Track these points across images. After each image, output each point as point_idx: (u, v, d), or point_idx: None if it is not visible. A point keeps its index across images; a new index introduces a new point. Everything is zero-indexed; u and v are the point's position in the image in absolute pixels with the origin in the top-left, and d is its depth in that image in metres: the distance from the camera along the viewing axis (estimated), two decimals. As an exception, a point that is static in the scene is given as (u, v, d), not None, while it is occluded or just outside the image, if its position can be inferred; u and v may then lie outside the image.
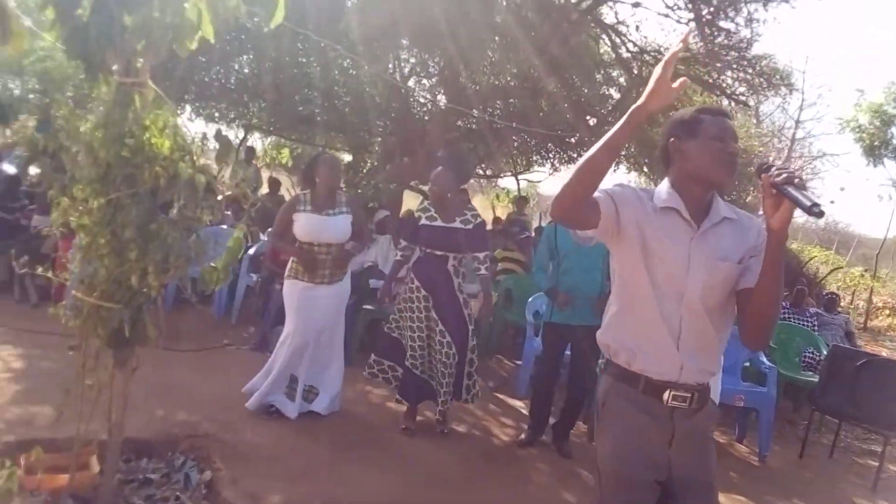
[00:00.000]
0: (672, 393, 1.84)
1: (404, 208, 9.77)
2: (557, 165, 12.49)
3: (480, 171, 13.65)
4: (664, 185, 1.92)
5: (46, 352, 4.75)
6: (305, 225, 4.12)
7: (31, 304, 6.07)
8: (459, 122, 8.27)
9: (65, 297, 5.97)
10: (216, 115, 10.66)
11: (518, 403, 5.25)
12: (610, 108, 8.95)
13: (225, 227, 6.37)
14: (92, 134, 2.69)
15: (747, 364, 5.43)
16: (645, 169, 11.47)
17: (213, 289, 2.90)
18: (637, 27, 7.51)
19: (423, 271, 4.29)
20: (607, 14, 7.68)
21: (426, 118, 9.73)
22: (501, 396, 5.35)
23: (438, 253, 4.26)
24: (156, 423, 3.68)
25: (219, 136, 2.83)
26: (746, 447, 5.19)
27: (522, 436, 4.40)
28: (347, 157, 10.93)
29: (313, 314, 4.16)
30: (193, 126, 11.67)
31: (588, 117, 9.10)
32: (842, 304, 14.36)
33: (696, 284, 1.83)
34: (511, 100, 8.53)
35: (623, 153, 11.17)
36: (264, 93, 8.89)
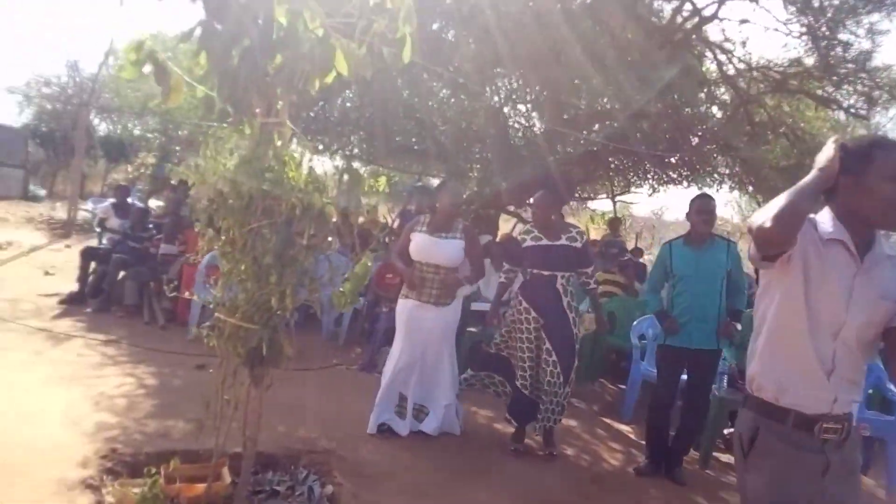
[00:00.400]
0: (823, 425, 1.80)
1: (500, 232, 9.89)
2: (656, 186, 12.26)
3: (577, 195, 13.59)
4: (827, 215, 1.85)
5: (175, 370, 5.12)
6: (417, 244, 4.29)
7: (160, 326, 6.52)
8: (558, 146, 8.29)
9: (189, 317, 6.42)
10: (320, 146, 11.21)
11: (624, 428, 5.18)
12: (714, 128, 8.74)
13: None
14: (236, 169, 2.93)
15: (871, 391, 5.14)
16: (750, 188, 11.06)
17: (341, 311, 3.08)
18: (743, 44, 7.34)
19: (532, 292, 4.35)
20: (712, 32, 7.55)
21: (522, 144, 9.83)
22: (607, 420, 5.30)
23: (546, 273, 4.31)
24: (278, 438, 3.89)
25: (350, 170, 3.02)
26: (871, 479, 4.90)
27: (640, 464, 4.33)
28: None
29: (418, 333, 4.31)
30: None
31: (690, 136, 8.92)
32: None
33: (855, 321, 1.78)
34: (608, 122, 8.48)
35: (727, 171, 10.88)
36: (364, 125, 9.24)
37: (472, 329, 5.79)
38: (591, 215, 17.90)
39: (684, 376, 4.39)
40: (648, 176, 12.04)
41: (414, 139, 10.33)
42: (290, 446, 3.79)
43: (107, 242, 8.21)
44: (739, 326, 4.32)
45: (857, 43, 6.00)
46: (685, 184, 11.64)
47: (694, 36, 7.23)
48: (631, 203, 15.90)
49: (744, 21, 6.99)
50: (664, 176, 11.53)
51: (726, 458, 4.85)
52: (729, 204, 21.23)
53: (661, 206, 22.26)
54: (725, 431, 5.05)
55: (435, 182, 13.28)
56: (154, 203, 12.35)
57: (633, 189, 13.14)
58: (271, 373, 3.05)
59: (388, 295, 6.12)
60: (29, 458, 3.21)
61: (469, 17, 6.68)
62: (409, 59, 2.71)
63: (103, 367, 4.97)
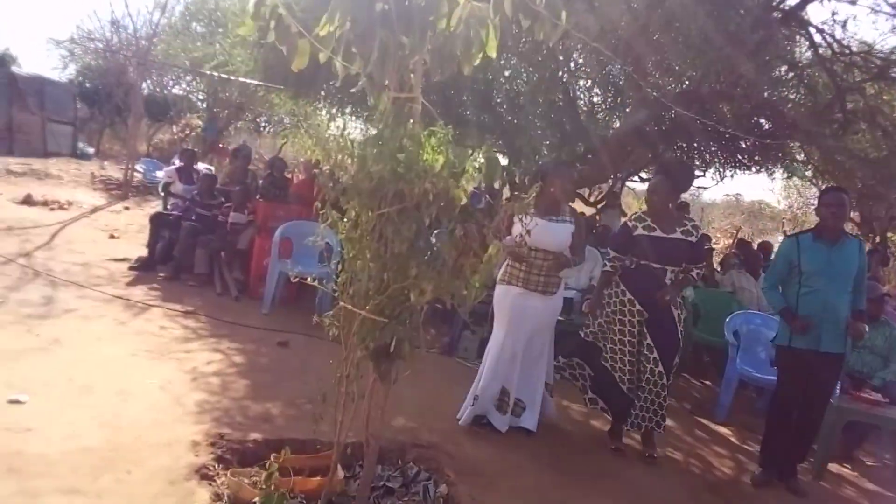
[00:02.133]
0: None
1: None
2: (722, 171, 11.82)
3: (640, 177, 13.22)
4: None
5: (259, 347, 5.01)
6: (533, 230, 4.04)
7: (233, 297, 6.42)
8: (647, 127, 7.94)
9: (264, 291, 6.28)
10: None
11: (724, 430, 4.96)
12: (797, 114, 8.31)
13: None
14: (366, 148, 2.72)
15: None
16: (827, 177, 10.60)
17: (471, 304, 2.87)
18: (843, 25, 6.89)
19: (637, 284, 4.10)
20: (813, 12, 7.11)
21: (589, 121, 9.49)
22: (703, 421, 5.07)
23: (656, 266, 4.06)
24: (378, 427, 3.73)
25: (488, 156, 2.79)
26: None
27: (757, 472, 4.10)
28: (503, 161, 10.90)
29: (525, 322, 4.09)
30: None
31: (775, 121, 8.50)
32: None
33: None
34: (690, 105, 8.10)
35: (801, 158, 10.42)
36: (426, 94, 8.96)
37: (560, 318, 5.57)
38: (643, 196, 17.45)
39: None
40: (715, 159, 11.60)
41: (471, 111, 10.01)
42: (393, 438, 3.63)
43: (171, 207, 8.14)
44: (867, 327, 4.03)
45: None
46: (754, 169, 11.22)
47: (792, 16, 6.81)
48: (703, 188, 15.42)
49: (852, 1, 6.55)
50: (733, 159, 11.09)
51: (836, 469, 4.60)
52: (785, 189, 20.49)
53: (737, 194, 21.38)
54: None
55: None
56: (202, 167, 12.26)
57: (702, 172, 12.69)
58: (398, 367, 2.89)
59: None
60: (138, 442, 3.09)
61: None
62: (565, 29, 2.45)
63: (188, 340, 4.86)
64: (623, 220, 7.71)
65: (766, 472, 4.05)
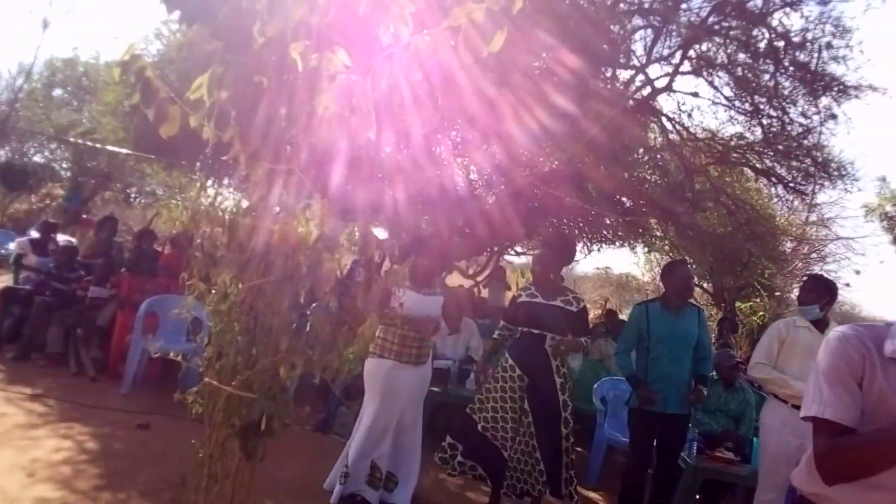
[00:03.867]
0: None
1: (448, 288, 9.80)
2: (590, 246, 12.54)
3: (515, 251, 13.73)
4: None
5: (115, 430, 4.66)
6: (406, 302, 4.08)
7: (89, 378, 5.95)
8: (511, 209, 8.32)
9: (125, 369, 5.89)
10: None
11: (594, 495, 5.08)
12: (654, 193, 9.06)
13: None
14: (239, 219, 2.69)
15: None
16: (682, 252, 11.50)
17: (345, 379, 2.85)
18: (689, 115, 7.68)
19: (520, 351, 4.24)
20: (665, 103, 7.88)
21: (469, 198, 9.83)
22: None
23: (536, 331, 4.21)
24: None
25: (363, 230, 2.84)
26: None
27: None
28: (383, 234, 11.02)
29: (398, 394, 4.08)
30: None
31: (633, 199, 9.19)
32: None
33: None
34: (554, 186, 8.63)
35: (660, 234, 11.25)
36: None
37: (435, 388, 5.58)
38: (521, 271, 18.13)
39: None
40: (583, 234, 12.32)
41: (354, 185, 10.16)
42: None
43: (22, 281, 7.53)
44: (706, 391, 4.35)
45: (802, 121, 6.38)
46: (618, 244, 11.99)
47: (646, 105, 7.51)
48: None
49: (693, 94, 7.33)
50: (599, 235, 11.82)
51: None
52: (647, 262, 21.93)
53: (606, 267, 22.69)
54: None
55: (378, 231, 13.08)
56: (62, 238, 11.51)
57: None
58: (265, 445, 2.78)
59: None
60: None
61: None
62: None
63: (33, 427, 4.43)
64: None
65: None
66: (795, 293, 18.81)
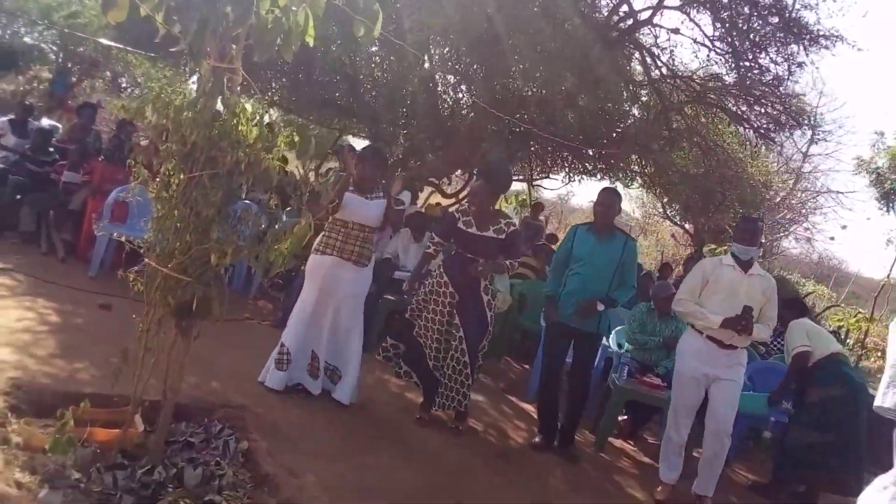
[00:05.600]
0: None
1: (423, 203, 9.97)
2: (572, 175, 12.66)
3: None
4: None
5: (77, 308, 4.88)
6: (346, 204, 4.27)
7: (59, 259, 6.16)
8: (489, 126, 8.40)
9: (92, 253, 6.11)
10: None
11: (529, 407, 5.42)
12: (633, 128, 9.13)
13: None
14: (181, 114, 2.81)
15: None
16: (657, 188, 11.64)
17: (277, 271, 3.05)
18: (671, 51, 7.67)
19: (453, 268, 4.44)
20: (645, 36, 7.83)
21: (449, 115, 9.86)
22: (512, 398, 5.53)
23: (469, 256, 4.41)
24: (190, 390, 3.80)
25: (301, 131, 2.98)
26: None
27: (536, 439, 4.56)
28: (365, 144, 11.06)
29: (335, 289, 4.32)
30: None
31: (612, 132, 9.27)
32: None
33: None
34: (538, 109, 8.67)
35: (638, 171, 11.37)
36: (288, 72, 8.91)
37: (390, 297, 5.85)
38: (505, 196, 18.29)
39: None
40: (566, 164, 12.41)
41: (338, 94, 10.12)
42: (203, 398, 3.73)
43: (0, 161, 7.62)
44: (601, 307, 4.42)
45: (773, 68, 6.42)
46: (598, 176, 12.10)
47: (627, 37, 7.49)
48: (545, 188, 16.33)
49: (675, 31, 7.32)
50: (581, 166, 11.92)
51: (619, 443, 5.20)
52: (634, 199, 22.12)
53: (567, 191, 22.93)
54: (620, 419, 5.41)
55: (358, 143, 13.10)
56: (47, 122, 11.44)
57: (551, 175, 13.49)
58: (199, 324, 3.01)
59: (303, 252, 6.06)
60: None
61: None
62: (372, 38, 2.68)
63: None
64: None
65: (543, 440, 4.53)
66: (785, 243, 18.95)
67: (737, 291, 4.07)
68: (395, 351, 4.64)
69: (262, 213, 3.03)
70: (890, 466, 4.42)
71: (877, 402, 1.33)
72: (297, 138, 3.07)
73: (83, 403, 2.97)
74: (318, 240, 4.40)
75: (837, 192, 21.76)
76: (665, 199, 12.26)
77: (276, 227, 2.98)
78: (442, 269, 4.49)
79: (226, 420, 3.58)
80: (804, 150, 21.73)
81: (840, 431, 4.45)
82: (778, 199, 17.93)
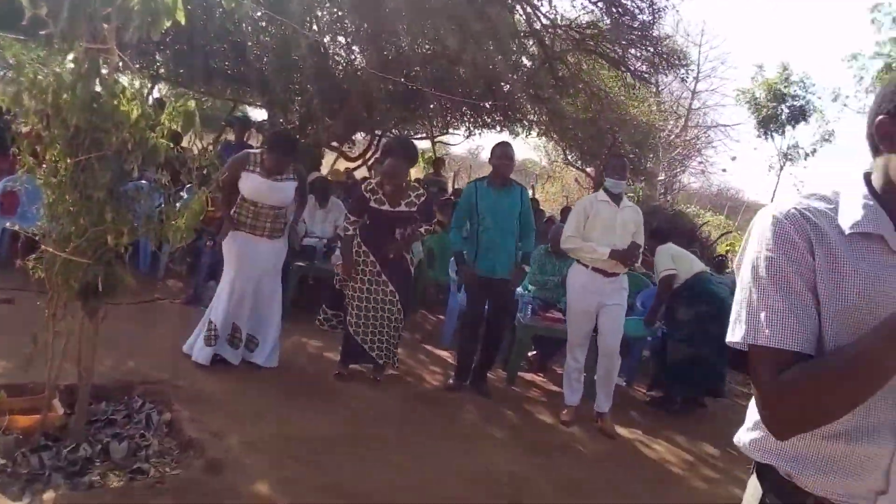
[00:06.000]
0: None
1: (325, 167, 9.99)
2: (472, 129, 12.92)
3: (396, 132, 13.93)
4: (858, 191, 1.19)
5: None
6: (255, 187, 4.34)
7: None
8: (382, 86, 8.48)
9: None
10: (120, 64, 10.27)
11: (444, 353, 5.71)
12: (523, 78, 9.42)
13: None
14: (59, 98, 2.83)
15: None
16: (554, 135, 12.06)
17: (177, 246, 3.14)
18: (551, 1, 7.94)
19: (372, 239, 4.58)
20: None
21: (343, 78, 9.84)
22: (428, 347, 5.80)
23: (385, 227, 4.57)
24: (107, 371, 3.85)
25: (185, 109, 3.02)
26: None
27: (450, 381, 4.86)
28: (263, 114, 10.88)
29: (253, 264, 4.42)
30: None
31: (503, 84, 9.53)
32: (729, 266, 15.75)
33: None
34: (428, 66, 8.81)
35: (535, 119, 11.74)
36: (171, 44, 8.65)
37: (300, 263, 5.96)
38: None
39: None
40: (465, 119, 12.65)
41: (227, 63, 9.89)
42: (121, 378, 3.80)
43: None
44: (528, 268, 4.88)
45: (641, 14, 6.80)
46: (498, 128, 12.41)
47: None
48: (450, 144, 16.55)
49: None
50: (479, 120, 12.18)
51: (529, 377, 5.59)
52: (538, 148, 22.71)
53: (477, 146, 23.34)
54: (530, 354, 5.80)
55: (254, 112, 12.88)
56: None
57: (451, 130, 13.69)
58: (105, 305, 3.07)
59: (210, 229, 6.07)
60: None
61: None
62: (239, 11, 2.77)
63: None
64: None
65: (458, 380, 4.83)
66: (684, 178, 19.95)
67: (613, 224, 4.44)
68: (336, 319, 4.85)
69: (155, 192, 3.10)
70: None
71: (728, 338, 1.15)
72: (181, 111, 3.12)
73: (-1, 392, 3.01)
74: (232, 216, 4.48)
75: (724, 125, 23.11)
76: (563, 146, 12.72)
77: (177, 204, 3.07)
78: (360, 240, 4.62)
79: (146, 395, 3.68)
80: (692, 87, 22.91)
81: (711, 343, 4.96)
82: (672, 137, 18.85)
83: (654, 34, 7.21)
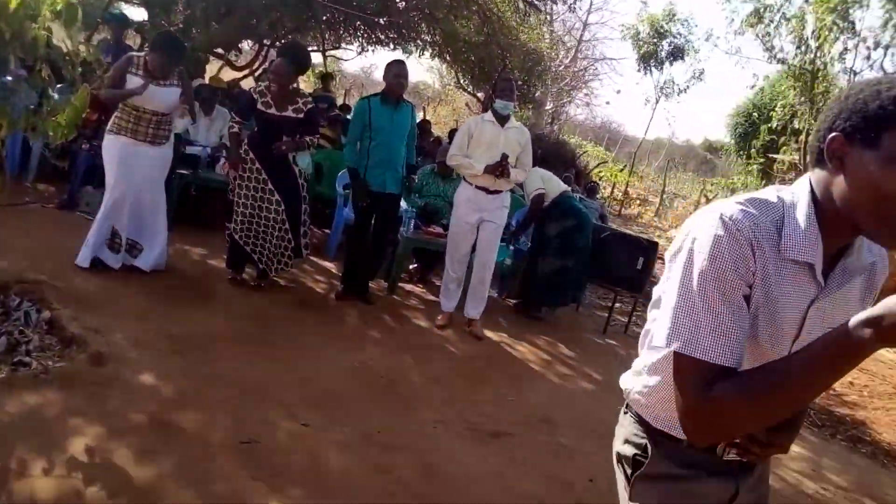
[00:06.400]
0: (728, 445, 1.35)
1: (208, 75, 9.61)
2: (366, 46, 12.76)
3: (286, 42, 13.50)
4: (802, 210, 1.17)
5: None
6: (131, 86, 4.26)
7: None
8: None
9: None
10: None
11: (328, 265, 5.92)
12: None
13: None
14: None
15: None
16: (447, 57, 12.14)
17: (58, 142, 3.12)
18: None
19: (259, 147, 4.63)
20: None
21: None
22: (314, 259, 5.98)
23: (272, 133, 4.61)
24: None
25: (68, 2, 2.95)
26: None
27: (339, 289, 5.10)
28: (142, 14, 10.24)
29: (135, 170, 4.39)
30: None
31: (398, 0, 9.46)
32: (603, 193, 16.77)
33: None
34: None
35: (429, 40, 11.75)
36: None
37: (183, 171, 5.89)
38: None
39: None
40: (359, 35, 12.45)
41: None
42: (-6, 278, 3.76)
43: None
44: (416, 178, 5.16)
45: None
46: (391, 46, 12.33)
47: None
48: (342, 59, 16.23)
49: None
50: (374, 37, 12.04)
51: (410, 287, 5.92)
52: (431, 70, 22.66)
53: (371, 64, 22.94)
54: (412, 267, 6.13)
55: (131, 11, 12.03)
56: None
57: (343, 46, 13.44)
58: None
59: (87, 132, 5.87)
60: None
61: None
62: None
63: None
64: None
65: (345, 289, 5.09)
66: (571, 109, 20.64)
67: (496, 143, 4.74)
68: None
69: (33, 86, 3.03)
70: (602, 278, 5.52)
71: (656, 342, 1.19)
72: (64, 5, 3.05)
73: None
74: (111, 121, 4.37)
75: (611, 58, 23.93)
76: (455, 69, 12.84)
77: (53, 99, 3.03)
78: (247, 148, 4.66)
79: (23, 294, 3.68)
80: (584, 19, 23.44)
81: (576, 255, 5.49)
82: (562, 68, 19.35)
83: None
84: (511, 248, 6.12)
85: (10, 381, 2.88)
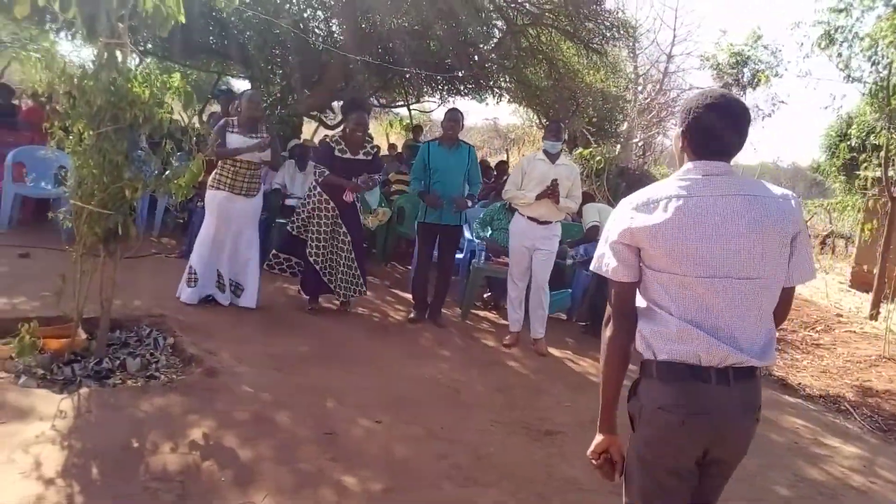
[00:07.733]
0: None
1: (303, 136, 10.68)
2: (446, 97, 13.61)
3: (375, 101, 14.61)
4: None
5: (-1, 259, 5.54)
6: (232, 144, 5.10)
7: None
8: (358, 58, 9.13)
9: None
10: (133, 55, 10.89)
11: (408, 296, 6.54)
12: (492, 47, 10.13)
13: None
14: (84, 82, 3.59)
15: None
16: (523, 102, 12.76)
17: (180, 200, 3.93)
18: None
19: (332, 188, 5.38)
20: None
21: (322, 50, 10.48)
22: (396, 291, 6.64)
23: (344, 175, 5.36)
24: (117, 308, 4.63)
25: (185, 90, 3.80)
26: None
27: (411, 314, 5.71)
28: (246, 86, 11.49)
29: (230, 218, 5.20)
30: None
31: (472, 53, 10.21)
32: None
33: None
34: (398, 40, 9.46)
35: (505, 87, 12.45)
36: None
37: (282, 220, 6.74)
38: (390, 121, 19.17)
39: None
40: (439, 87, 13.33)
41: (212, 39, 10.49)
42: (129, 313, 4.61)
43: None
44: (471, 203, 5.81)
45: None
46: (470, 95, 13.11)
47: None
48: (427, 111, 17.23)
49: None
50: (453, 88, 12.87)
51: (483, 314, 6.44)
52: (515, 112, 23.52)
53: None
54: (485, 295, 6.66)
55: (237, 83, 13.50)
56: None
57: (426, 98, 14.35)
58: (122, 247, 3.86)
59: (201, 190, 6.83)
60: None
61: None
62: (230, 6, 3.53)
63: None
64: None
65: (417, 314, 5.70)
66: (662, 140, 20.81)
67: (547, 178, 5.26)
68: (287, 263, 5.62)
69: (160, 157, 3.87)
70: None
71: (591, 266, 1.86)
72: (183, 91, 3.91)
73: (32, 323, 3.80)
74: (211, 176, 5.21)
75: (698, 87, 23.79)
76: (531, 111, 13.47)
77: (175, 166, 3.85)
78: (321, 189, 5.41)
79: (152, 324, 4.51)
80: (668, 52, 23.54)
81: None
82: (648, 100, 19.52)
83: (602, 8, 7.90)
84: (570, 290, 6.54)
85: (144, 388, 3.63)
